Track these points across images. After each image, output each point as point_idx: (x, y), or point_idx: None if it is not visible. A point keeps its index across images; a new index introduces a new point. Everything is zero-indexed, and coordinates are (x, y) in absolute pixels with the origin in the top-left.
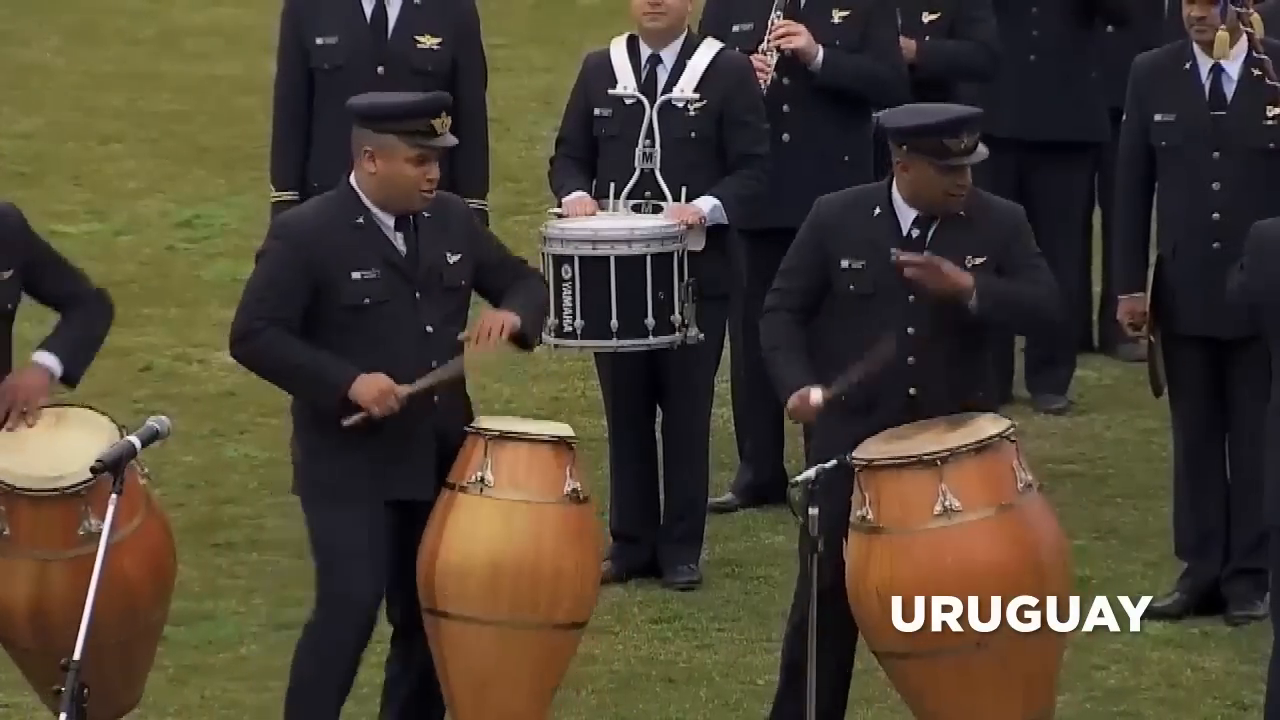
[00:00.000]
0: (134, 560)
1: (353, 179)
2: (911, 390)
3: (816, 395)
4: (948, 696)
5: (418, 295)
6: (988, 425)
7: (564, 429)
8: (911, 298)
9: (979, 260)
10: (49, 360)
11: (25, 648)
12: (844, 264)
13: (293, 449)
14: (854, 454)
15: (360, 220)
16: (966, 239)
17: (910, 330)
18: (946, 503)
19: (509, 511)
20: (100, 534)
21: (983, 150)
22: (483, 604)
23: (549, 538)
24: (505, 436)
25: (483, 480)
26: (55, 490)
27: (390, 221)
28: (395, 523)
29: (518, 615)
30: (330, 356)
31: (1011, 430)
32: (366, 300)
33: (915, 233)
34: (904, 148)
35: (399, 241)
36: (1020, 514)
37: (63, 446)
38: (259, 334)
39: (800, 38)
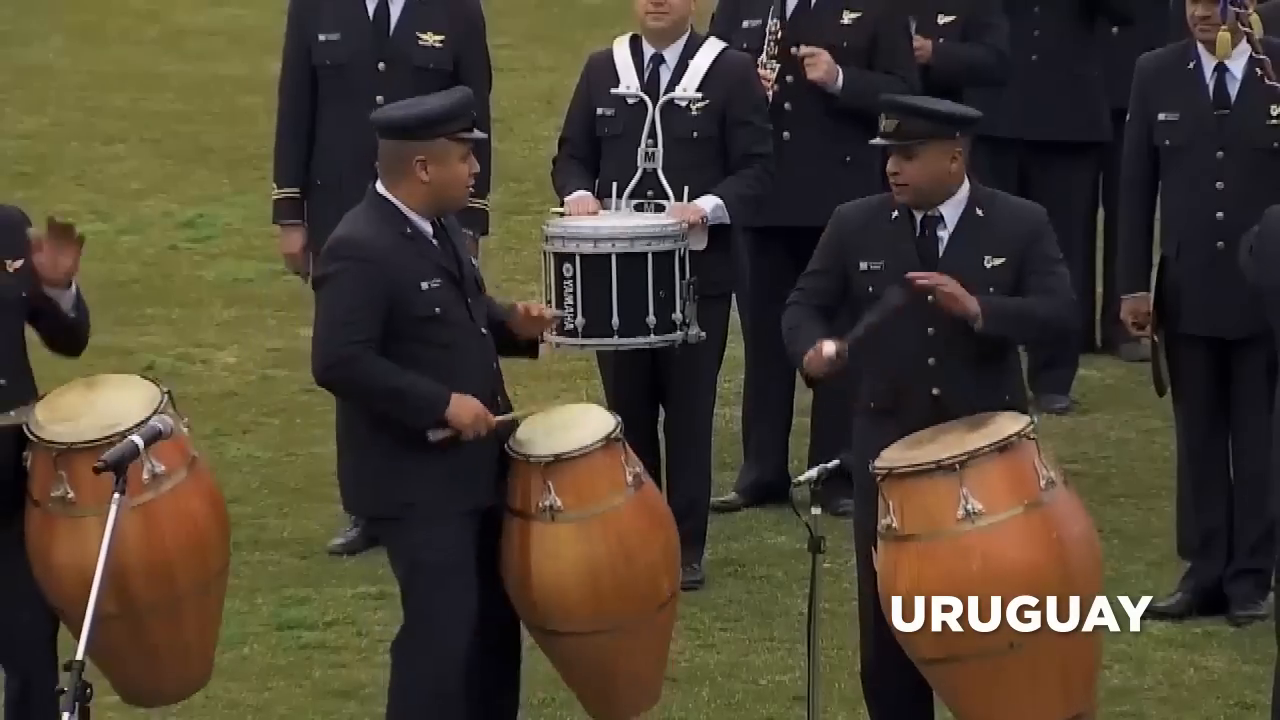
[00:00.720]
0: (200, 501)
1: (386, 190)
2: (935, 390)
3: (829, 347)
4: (984, 699)
5: (469, 300)
6: (1006, 424)
7: (603, 420)
8: (930, 298)
9: (997, 261)
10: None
11: (107, 615)
12: (862, 266)
13: (350, 469)
14: (875, 463)
15: (408, 230)
16: (984, 238)
17: (931, 331)
18: (969, 506)
19: (587, 529)
20: (164, 475)
21: (909, 143)
22: (592, 619)
23: (632, 535)
24: (560, 460)
25: (551, 508)
26: (115, 437)
27: (428, 229)
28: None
29: (627, 616)
30: (420, 376)
31: (1031, 428)
32: (437, 310)
33: (927, 231)
34: None
35: (438, 246)
36: (1045, 512)
37: (106, 403)
38: (355, 359)
39: (819, 66)
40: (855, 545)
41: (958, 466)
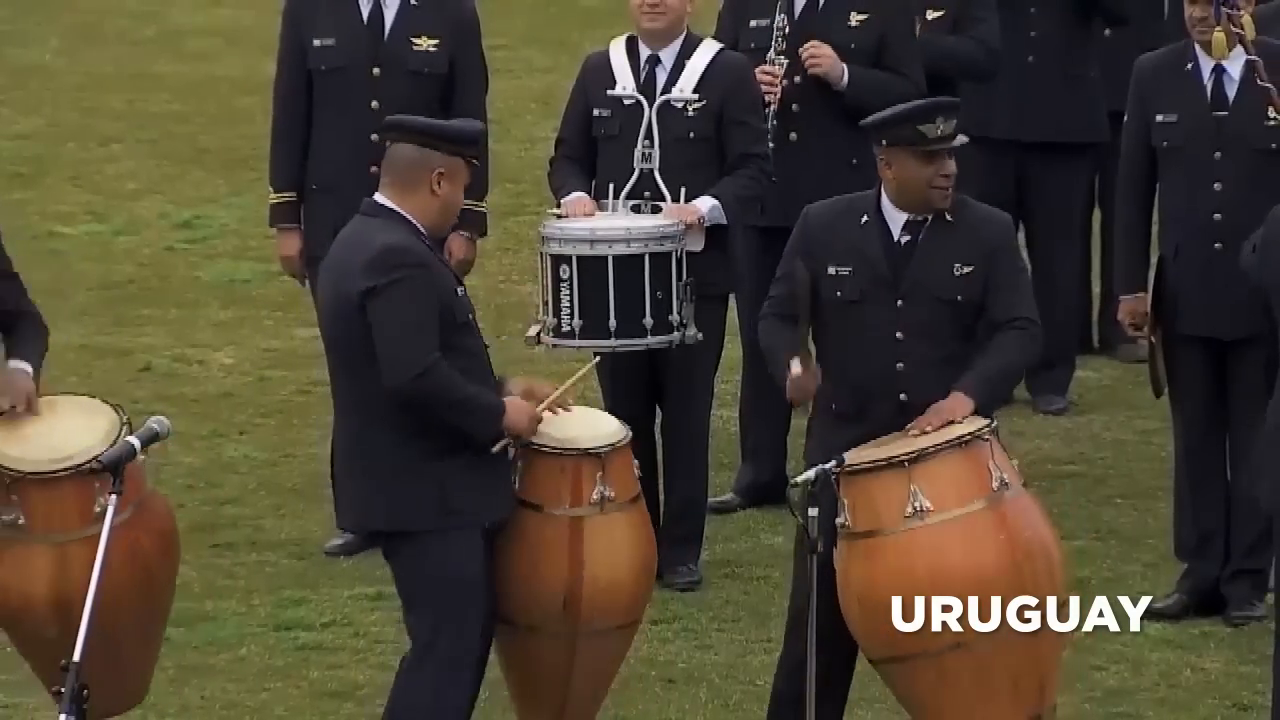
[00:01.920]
0: (147, 535)
1: (392, 202)
2: (902, 395)
3: (794, 367)
4: (932, 698)
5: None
6: (962, 425)
7: (608, 417)
8: (900, 303)
9: (966, 269)
10: (27, 367)
11: (47, 639)
12: (831, 271)
13: (374, 483)
14: (833, 462)
15: (428, 242)
16: (954, 246)
17: (899, 336)
18: (917, 503)
19: (632, 517)
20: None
21: (961, 137)
22: (628, 612)
23: (649, 529)
24: (615, 448)
25: (604, 498)
26: (68, 469)
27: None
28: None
29: (643, 612)
30: (478, 386)
31: (986, 429)
32: (470, 317)
33: (905, 239)
34: (884, 143)
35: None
36: (995, 513)
37: (65, 429)
38: (436, 367)
39: (824, 62)
40: (794, 547)
41: (906, 463)
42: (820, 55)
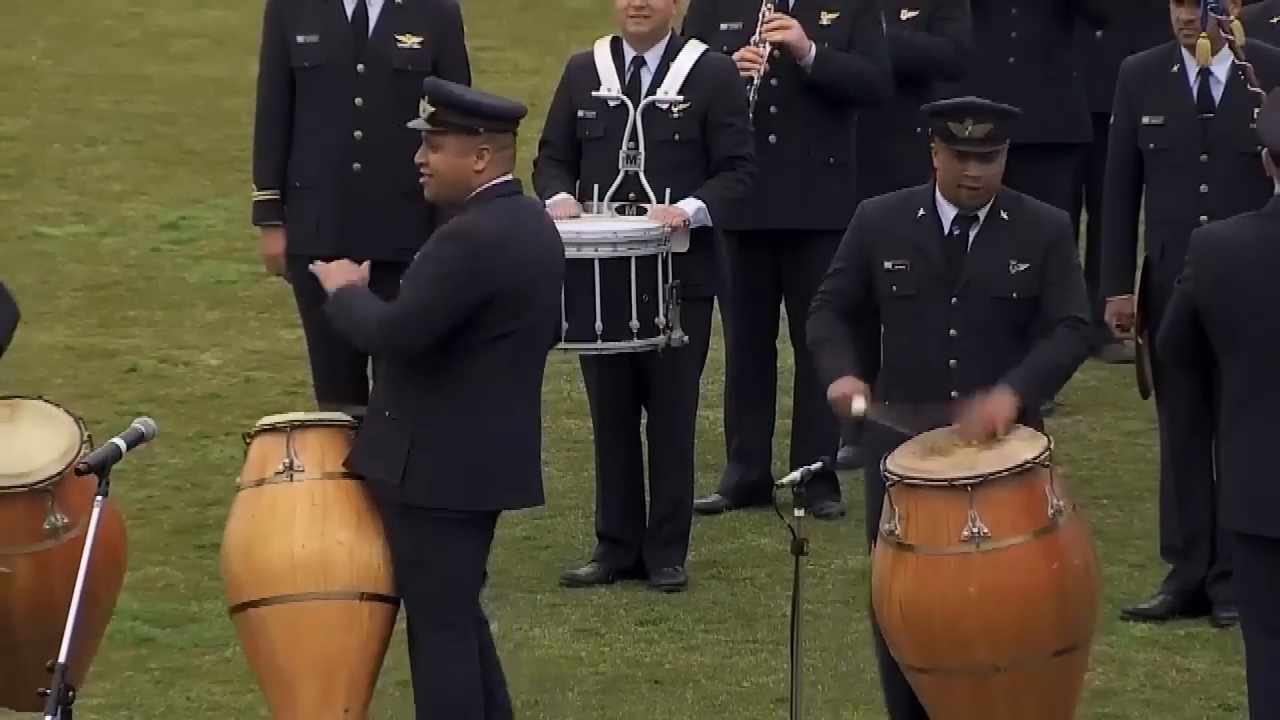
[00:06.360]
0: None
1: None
2: (954, 393)
3: (859, 405)
4: (962, 714)
5: None
6: (1022, 449)
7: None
8: (954, 299)
9: (1022, 266)
10: None
11: None
12: (886, 265)
13: None
14: (886, 465)
15: None
16: (1009, 242)
17: (952, 332)
18: (975, 529)
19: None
20: (65, 527)
21: (996, 148)
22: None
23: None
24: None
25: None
26: (23, 485)
27: None
28: None
29: None
30: None
31: (1046, 454)
32: None
33: (955, 231)
34: (931, 132)
35: None
36: (1049, 542)
37: (23, 441)
38: None
39: (791, 31)
40: (869, 545)
41: (969, 488)
42: (787, 25)
